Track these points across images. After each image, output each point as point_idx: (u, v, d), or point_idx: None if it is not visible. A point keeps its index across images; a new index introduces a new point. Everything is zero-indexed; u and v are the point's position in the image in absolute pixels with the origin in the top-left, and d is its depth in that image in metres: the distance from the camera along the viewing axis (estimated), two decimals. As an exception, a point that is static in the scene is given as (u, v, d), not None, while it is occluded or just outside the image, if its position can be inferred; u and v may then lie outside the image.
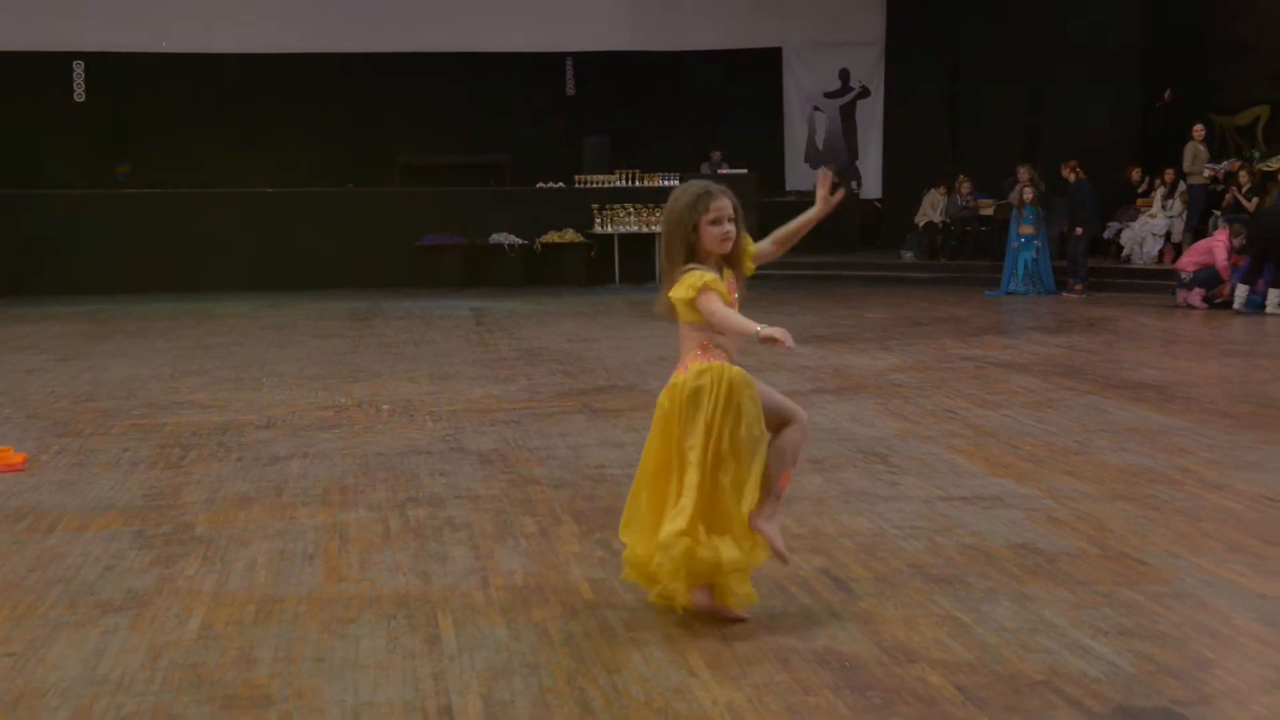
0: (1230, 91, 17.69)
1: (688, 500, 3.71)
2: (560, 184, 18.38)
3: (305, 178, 18.62)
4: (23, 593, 4.24)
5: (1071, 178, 15.59)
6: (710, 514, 3.74)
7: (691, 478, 3.71)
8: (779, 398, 3.90)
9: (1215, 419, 7.18)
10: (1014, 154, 17.16)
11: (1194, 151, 16.01)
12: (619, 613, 3.97)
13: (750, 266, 3.92)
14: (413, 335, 11.87)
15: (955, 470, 5.95)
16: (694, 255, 3.74)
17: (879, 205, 20.62)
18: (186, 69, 18.71)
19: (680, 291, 3.68)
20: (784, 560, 3.90)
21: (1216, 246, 13.69)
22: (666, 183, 18.08)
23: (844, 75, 21.09)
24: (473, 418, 7.45)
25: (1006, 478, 5.78)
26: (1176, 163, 16.36)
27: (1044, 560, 4.50)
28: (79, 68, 18.77)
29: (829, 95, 21.24)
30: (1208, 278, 13.68)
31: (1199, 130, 16.04)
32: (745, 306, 3.87)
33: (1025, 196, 15.72)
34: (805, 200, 19.17)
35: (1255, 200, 15.15)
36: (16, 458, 6.24)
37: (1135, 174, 17.34)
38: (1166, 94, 17.95)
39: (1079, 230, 15.60)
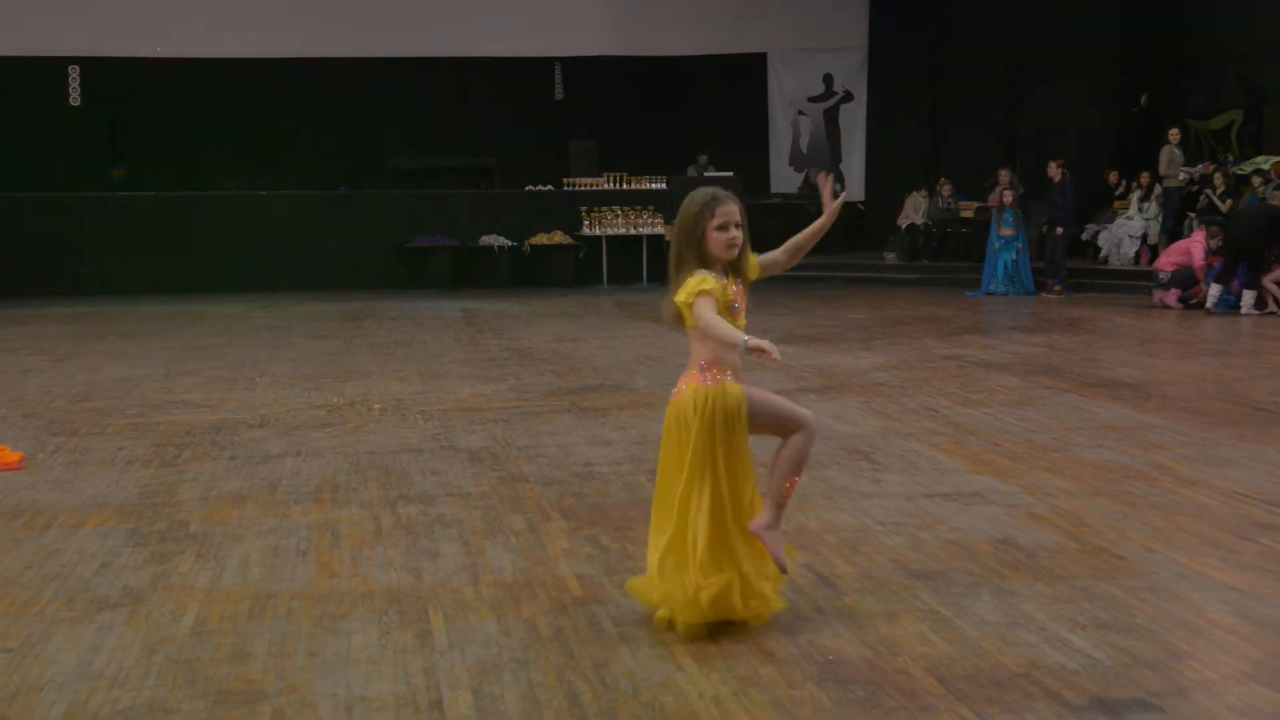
0: (1205, 97, 17.98)
1: (698, 541, 3.70)
2: (549, 187, 18.44)
3: (298, 181, 18.64)
4: (19, 589, 4.28)
5: (1058, 176, 15.71)
6: (718, 548, 3.74)
7: (692, 519, 3.72)
8: (783, 407, 3.85)
9: (1190, 417, 7.26)
10: (994, 158, 17.28)
11: (1170, 155, 16.27)
12: (607, 608, 4.03)
13: (754, 273, 3.87)
14: (404, 335, 11.89)
15: (937, 467, 6.01)
16: (703, 261, 3.72)
17: (862, 208, 20.73)
18: (181, 74, 18.68)
19: (682, 296, 3.68)
20: (783, 570, 3.85)
21: (1194, 247, 13.85)
22: (653, 186, 18.18)
23: (827, 80, 21.23)
24: (463, 416, 7.49)
25: (987, 474, 5.85)
26: (1152, 166, 16.57)
27: (1023, 555, 4.56)
28: (74, 72, 18.75)
29: (813, 100, 21.36)
30: (1185, 278, 13.84)
31: (1174, 134, 16.31)
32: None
33: (1005, 199, 15.85)
34: (790, 203, 19.09)
35: (1229, 202, 15.35)
36: (13, 456, 6.27)
37: (1112, 177, 17.53)
38: (1143, 99, 18.14)
39: (1059, 230, 15.74)
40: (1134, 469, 5.93)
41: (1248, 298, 13.01)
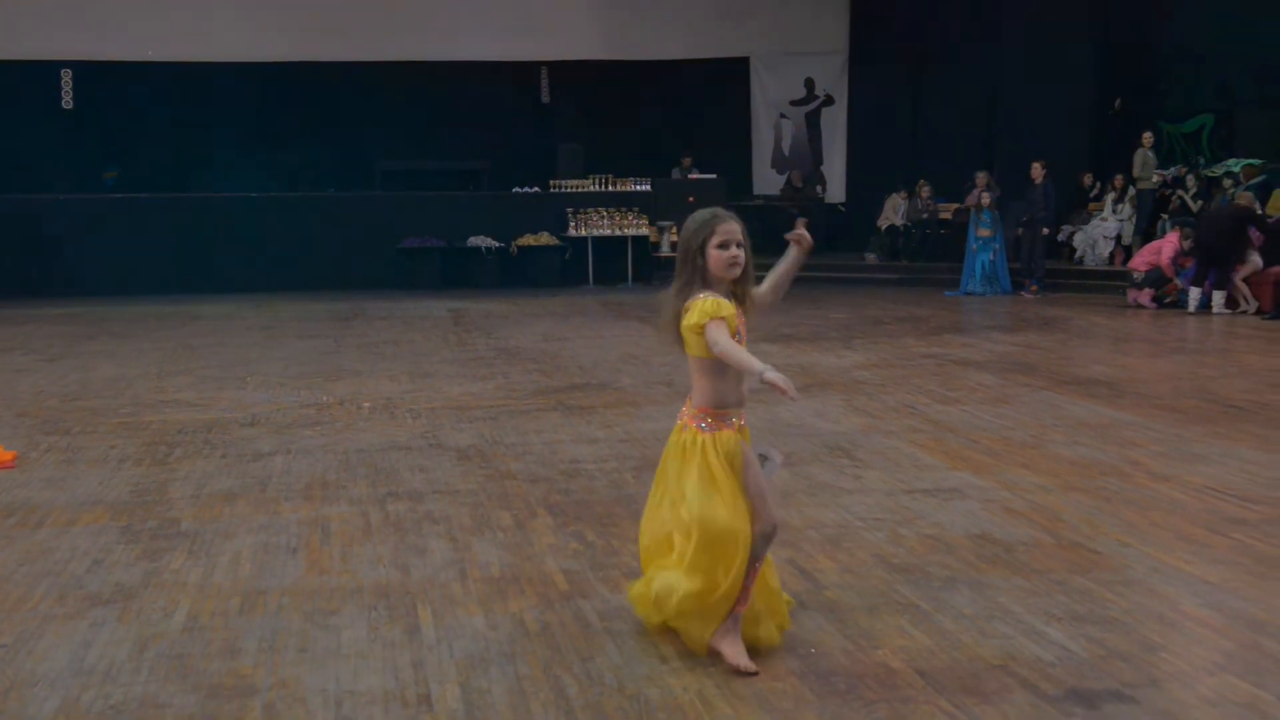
0: (1178, 101, 18.24)
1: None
2: (535, 189, 18.51)
3: (288, 183, 18.66)
4: (12, 586, 4.31)
5: (1040, 177, 15.84)
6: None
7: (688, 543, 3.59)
8: (762, 493, 3.59)
9: (1163, 414, 7.35)
10: (972, 160, 17.41)
11: (1143, 158, 16.57)
12: (593, 603, 4.08)
13: (754, 300, 3.70)
14: (393, 335, 11.91)
15: (916, 464, 6.08)
16: (705, 282, 3.56)
17: (842, 209, 20.85)
18: (172, 77, 18.69)
19: (691, 318, 3.49)
20: (746, 673, 3.51)
21: (1165, 246, 14.06)
22: (638, 187, 18.26)
23: (809, 84, 21.34)
24: (451, 415, 7.53)
25: (965, 470, 5.92)
26: (1126, 169, 16.79)
27: (1001, 550, 4.63)
28: (67, 76, 18.72)
29: (795, 103, 21.47)
30: (1157, 278, 14.03)
31: (1148, 138, 16.59)
32: None
33: (982, 200, 15.98)
34: (772, 203, 19.12)
35: (1201, 204, 15.55)
36: (6, 455, 6.29)
37: (1087, 179, 17.72)
38: (1117, 103, 18.32)
39: (1045, 230, 15.89)
40: (1108, 465, 6.01)
41: (1218, 298, 13.20)
